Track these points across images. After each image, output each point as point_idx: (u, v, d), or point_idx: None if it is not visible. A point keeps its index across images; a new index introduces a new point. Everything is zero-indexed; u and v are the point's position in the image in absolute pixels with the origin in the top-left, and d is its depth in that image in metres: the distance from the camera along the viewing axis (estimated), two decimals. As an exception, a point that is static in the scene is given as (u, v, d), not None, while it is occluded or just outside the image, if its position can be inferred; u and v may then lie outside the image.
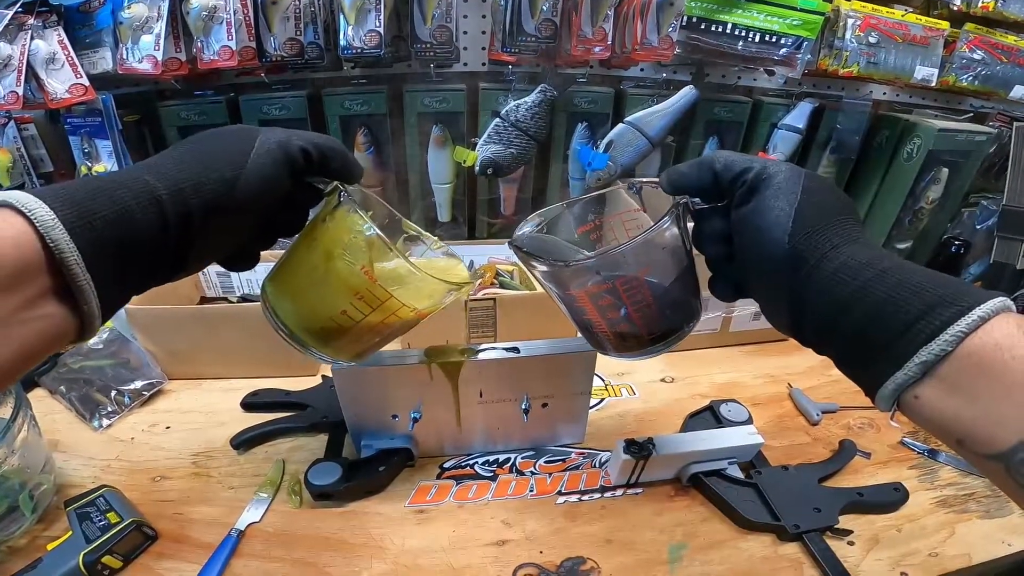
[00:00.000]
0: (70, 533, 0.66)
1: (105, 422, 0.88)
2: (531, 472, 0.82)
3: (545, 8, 1.04)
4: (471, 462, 0.83)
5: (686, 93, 1.16)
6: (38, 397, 0.92)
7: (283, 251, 0.58)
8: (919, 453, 0.87)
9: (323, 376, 0.99)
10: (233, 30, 1.00)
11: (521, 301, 1.01)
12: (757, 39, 1.11)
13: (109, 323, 1.00)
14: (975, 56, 1.24)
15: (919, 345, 0.38)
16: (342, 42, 1.03)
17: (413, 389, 0.76)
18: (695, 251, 0.57)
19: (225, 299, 1.15)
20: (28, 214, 0.36)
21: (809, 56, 1.14)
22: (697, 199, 0.54)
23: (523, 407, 0.79)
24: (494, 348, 0.76)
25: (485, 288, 1.08)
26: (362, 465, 0.77)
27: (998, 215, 1.26)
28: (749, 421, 0.87)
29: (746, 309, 1.07)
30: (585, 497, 0.78)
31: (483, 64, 1.19)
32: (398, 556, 0.69)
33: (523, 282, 1.13)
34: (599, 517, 0.75)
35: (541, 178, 1.32)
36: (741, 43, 1.11)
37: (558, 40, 1.08)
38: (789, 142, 1.24)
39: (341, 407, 0.76)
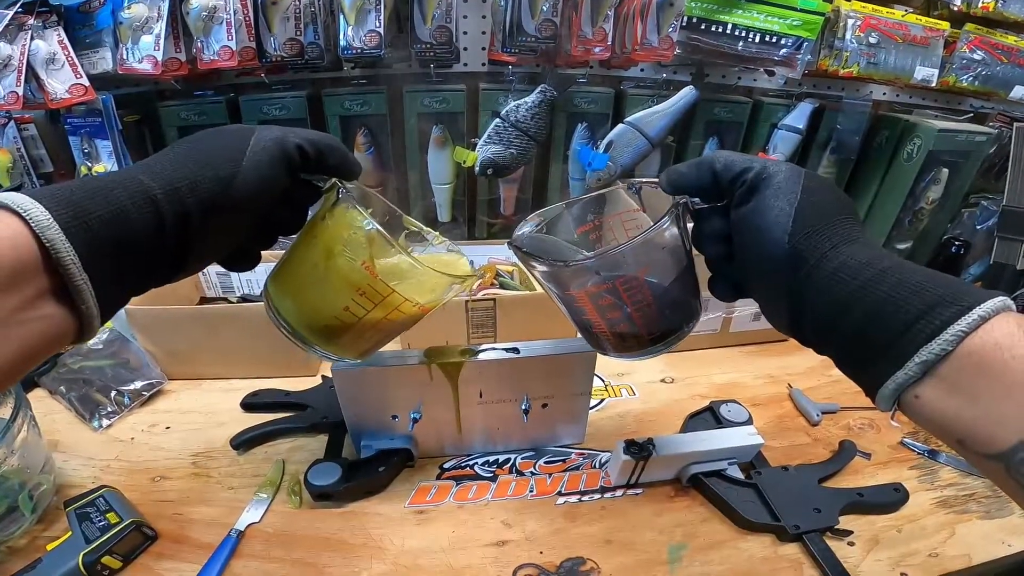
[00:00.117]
0: (69, 533, 0.66)
1: (105, 422, 0.88)
2: (531, 472, 0.82)
3: (545, 8, 1.04)
4: (471, 463, 0.83)
5: (686, 93, 1.16)
6: (38, 397, 0.92)
7: (284, 251, 0.58)
8: (919, 454, 0.87)
9: (323, 376, 0.98)
10: (233, 30, 1.00)
11: (521, 301, 1.01)
12: (757, 39, 1.11)
13: (109, 323, 1.00)
14: (975, 56, 1.24)
15: (919, 345, 0.38)
16: (342, 42, 1.03)
17: (413, 389, 0.76)
18: (695, 251, 0.57)
19: (225, 299, 1.15)
20: (24, 215, 0.36)
21: (809, 56, 1.14)
22: (696, 199, 0.54)
23: (523, 407, 0.79)
24: (494, 348, 0.75)
25: (485, 288, 1.08)
26: (362, 465, 0.77)
27: (998, 215, 1.26)
28: (749, 422, 0.87)
29: (746, 309, 1.07)
30: (585, 498, 0.78)
31: (483, 64, 1.19)
32: (398, 556, 0.69)
33: (523, 282, 1.13)
34: (599, 518, 0.75)
35: (541, 178, 1.32)
36: (741, 43, 1.11)
37: (558, 40, 1.08)
38: (789, 142, 1.24)
39: (341, 407, 0.76)
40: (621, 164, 1.17)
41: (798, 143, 1.25)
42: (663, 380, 1.03)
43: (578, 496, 0.78)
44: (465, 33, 1.14)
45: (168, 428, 0.89)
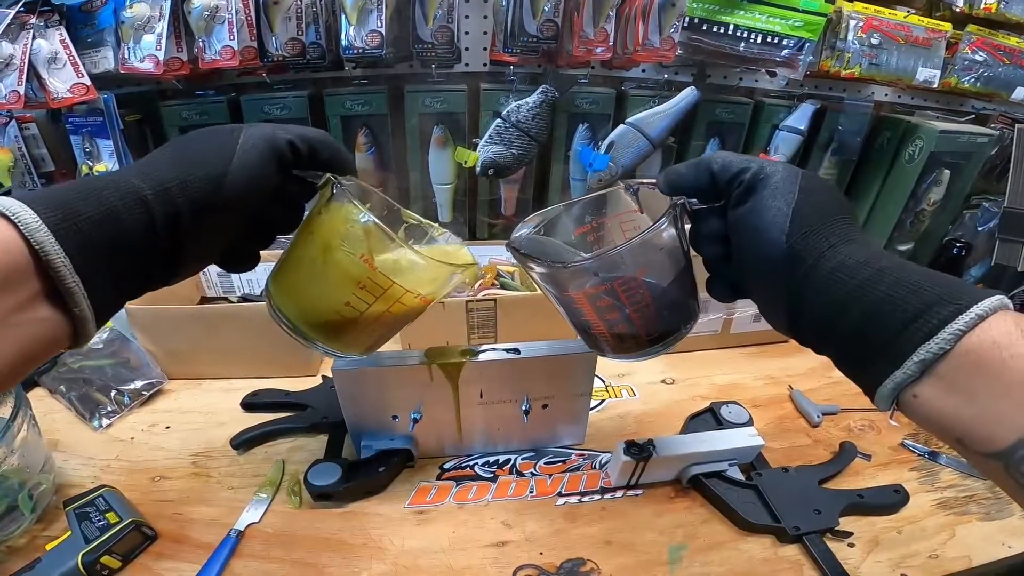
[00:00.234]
0: (69, 533, 0.66)
1: (105, 422, 0.88)
2: (531, 473, 0.81)
3: (547, 8, 1.04)
4: (471, 463, 0.83)
5: (688, 94, 1.16)
6: (38, 396, 0.92)
7: (283, 250, 0.58)
8: (920, 455, 0.87)
9: (323, 376, 0.98)
10: (235, 30, 1.00)
11: (522, 302, 1.01)
12: (759, 40, 1.11)
13: (109, 323, 1.00)
14: (977, 58, 1.23)
15: (917, 344, 0.38)
16: (344, 42, 1.03)
17: (413, 390, 0.76)
18: (692, 252, 0.57)
19: (225, 299, 1.15)
20: (12, 218, 0.36)
21: (811, 57, 1.14)
22: (694, 200, 0.54)
23: (523, 408, 0.79)
24: (494, 349, 0.75)
25: (486, 289, 1.08)
26: (362, 466, 0.77)
27: (999, 217, 1.26)
28: (750, 423, 0.87)
29: (747, 311, 1.07)
30: (585, 498, 0.78)
31: (484, 65, 1.19)
32: (398, 557, 0.69)
33: (524, 283, 1.13)
34: (599, 518, 0.75)
35: (542, 179, 1.32)
36: (743, 44, 1.11)
37: (559, 41, 1.08)
38: (790, 143, 1.24)
39: (341, 408, 0.76)
40: (622, 165, 1.17)
41: (799, 144, 1.25)
42: (663, 381, 1.03)
43: (578, 497, 0.78)
44: (467, 33, 1.14)
45: (168, 428, 0.89)
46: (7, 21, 0.90)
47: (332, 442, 0.84)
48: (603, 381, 1.02)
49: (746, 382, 1.04)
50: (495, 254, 1.20)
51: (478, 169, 1.15)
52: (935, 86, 1.23)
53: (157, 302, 0.92)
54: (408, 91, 1.15)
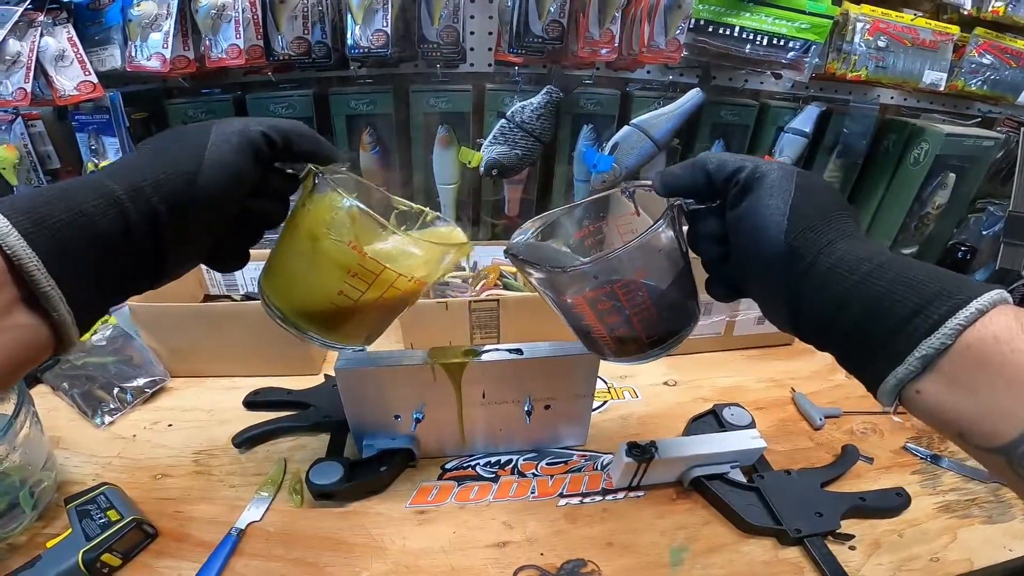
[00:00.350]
0: (70, 531, 0.66)
1: (107, 419, 0.88)
2: (533, 474, 0.81)
3: (553, 9, 1.04)
4: (473, 463, 0.83)
5: (693, 96, 1.16)
6: (40, 393, 0.93)
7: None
8: (922, 458, 0.86)
9: (325, 375, 0.98)
10: (241, 28, 1.00)
11: (524, 302, 1.01)
12: (765, 42, 1.11)
13: (112, 320, 1.00)
14: (984, 61, 1.23)
15: (918, 339, 0.39)
16: (349, 41, 1.03)
17: (416, 389, 0.76)
18: (691, 253, 0.57)
19: (228, 297, 1.16)
20: None
21: (817, 60, 1.14)
22: (691, 200, 0.55)
23: (526, 409, 0.79)
24: (497, 349, 0.75)
25: (488, 289, 1.08)
26: (364, 465, 0.77)
27: (1004, 221, 1.25)
28: (752, 425, 0.86)
29: (750, 313, 1.07)
30: (586, 499, 0.78)
31: (489, 65, 1.19)
32: (398, 557, 0.69)
33: (526, 284, 1.13)
34: (600, 520, 0.75)
35: (546, 180, 1.32)
36: (749, 46, 1.11)
37: (565, 41, 1.07)
38: (795, 146, 1.24)
39: (344, 407, 0.76)
40: (626, 166, 1.16)
41: (804, 146, 1.24)
42: (666, 383, 1.03)
43: (580, 498, 0.78)
44: (472, 33, 1.14)
45: (170, 425, 0.89)
46: (15, 18, 0.91)
47: (334, 441, 0.84)
48: (605, 382, 1.02)
49: (748, 384, 1.03)
50: (499, 254, 1.20)
51: (482, 169, 1.15)
52: (942, 89, 1.22)
53: (160, 300, 0.92)
54: (413, 91, 1.16)
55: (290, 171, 0.55)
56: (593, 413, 0.87)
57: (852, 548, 0.71)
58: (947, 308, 0.38)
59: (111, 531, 0.65)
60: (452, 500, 0.77)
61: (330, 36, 1.07)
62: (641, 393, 1.00)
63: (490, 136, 1.14)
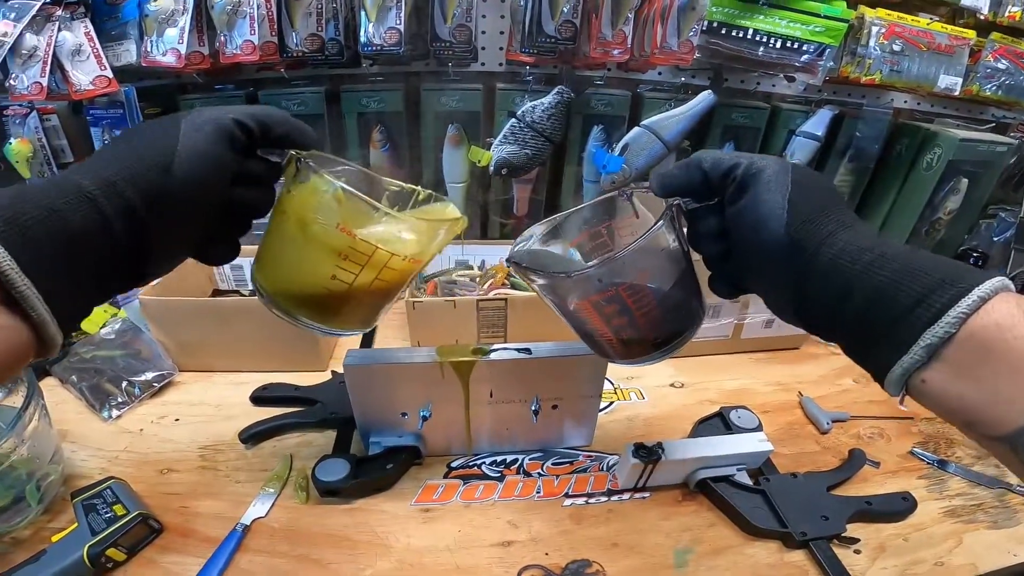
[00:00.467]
0: (76, 525, 0.65)
1: (115, 413, 0.88)
2: (538, 473, 0.81)
3: (566, 9, 1.04)
4: (478, 462, 0.83)
5: (704, 98, 1.15)
6: (48, 386, 0.93)
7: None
8: (929, 463, 0.86)
9: (332, 372, 0.99)
10: (256, 24, 1.01)
11: (532, 302, 1.01)
12: (778, 45, 1.10)
13: (122, 313, 1.01)
14: (999, 66, 1.22)
15: (921, 329, 0.39)
16: (362, 39, 1.03)
17: (424, 387, 0.76)
18: (693, 252, 0.58)
19: (237, 292, 1.16)
20: None
21: (831, 63, 1.14)
22: (689, 200, 0.55)
23: (533, 408, 0.79)
24: (506, 348, 0.75)
25: (496, 288, 1.08)
26: (370, 462, 0.77)
27: (1016, 227, 1.25)
28: (759, 428, 0.86)
29: (758, 316, 1.07)
30: (592, 500, 0.77)
31: (500, 64, 1.19)
32: (403, 554, 0.69)
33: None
34: (605, 520, 0.75)
35: (555, 180, 1.32)
36: (762, 49, 1.11)
37: (576, 42, 1.07)
38: (807, 149, 1.23)
39: (351, 403, 0.76)
40: (636, 167, 1.16)
41: (816, 150, 1.24)
42: (672, 385, 1.03)
43: (585, 498, 0.78)
44: (483, 32, 1.14)
45: (177, 420, 0.89)
46: (33, 12, 0.91)
47: (340, 438, 0.84)
48: (612, 384, 1.02)
49: (755, 388, 1.03)
50: (506, 253, 1.20)
51: (492, 168, 1.15)
52: (956, 93, 1.22)
53: (170, 294, 0.93)
54: (424, 89, 1.16)
55: (273, 159, 0.54)
56: (599, 414, 0.87)
57: (857, 552, 0.71)
58: (949, 297, 0.38)
59: (117, 526, 0.64)
60: (457, 499, 0.77)
61: (343, 33, 1.07)
62: (648, 395, 0.99)
63: (500, 135, 1.14)
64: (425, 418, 0.77)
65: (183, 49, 0.98)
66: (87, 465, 0.79)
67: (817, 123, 1.23)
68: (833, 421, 0.93)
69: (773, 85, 1.29)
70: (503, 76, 1.21)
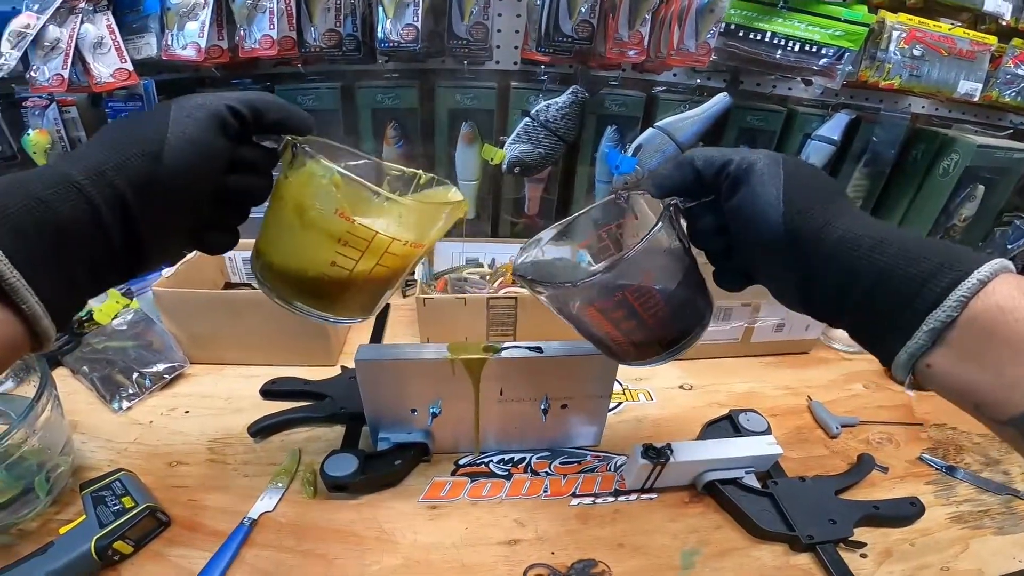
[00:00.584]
0: (84, 517, 0.65)
1: (125, 404, 0.88)
2: (546, 473, 0.81)
3: (584, 10, 1.03)
4: (486, 460, 0.83)
5: (719, 100, 1.15)
6: (60, 376, 0.93)
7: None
8: (937, 469, 0.86)
9: (342, 367, 0.99)
10: (275, 19, 1.01)
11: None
12: (797, 48, 1.10)
13: (135, 304, 1.01)
14: (1020, 72, 1.21)
15: (924, 313, 0.39)
16: (379, 35, 1.04)
17: (434, 384, 0.76)
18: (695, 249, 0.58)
19: (249, 285, 1.16)
20: None
21: (850, 67, 1.13)
22: (685, 198, 0.55)
23: (542, 407, 0.79)
24: (517, 347, 0.75)
25: (506, 287, 1.08)
26: (378, 458, 0.77)
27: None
28: (768, 432, 0.86)
29: (768, 320, 1.06)
30: (599, 500, 0.77)
31: (515, 63, 1.19)
32: (409, 551, 0.69)
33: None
34: (612, 521, 0.74)
35: (567, 180, 1.32)
36: (780, 52, 1.10)
37: (592, 42, 1.07)
38: (822, 153, 1.23)
39: (362, 398, 0.76)
40: (649, 168, 1.16)
41: (831, 154, 1.23)
42: (681, 387, 1.02)
43: (592, 498, 0.78)
44: (499, 31, 1.14)
45: (187, 412, 0.89)
46: (56, 4, 0.92)
47: (349, 433, 0.84)
48: (620, 384, 1.01)
49: (764, 391, 1.03)
50: (516, 252, 1.20)
51: (504, 167, 1.15)
52: (976, 99, 1.21)
53: (183, 285, 0.93)
54: (439, 87, 1.16)
55: (269, 145, 0.53)
56: (607, 414, 0.87)
57: (864, 556, 0.71)
58: (949, 280, 0.38)
59: (125, 518, 0.64)
60: (464, 496, 0.77)
61: (360, 29, 1.07)
62: (656, 396, 0.99)
63: (513, 134, 1.14)
64: (435, 415, 0.77)
65: (203, 43, 0.99)
66: (96, 457, 0.80)
67: (833, 127, 1.22)
68: (842, 426, 0.92)
69: (789, 88, 1.28)
70: (517, 75, 1.21)
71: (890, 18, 1.14)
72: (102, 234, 0.42)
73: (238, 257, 1.15)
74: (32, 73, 0.94)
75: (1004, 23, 1.20)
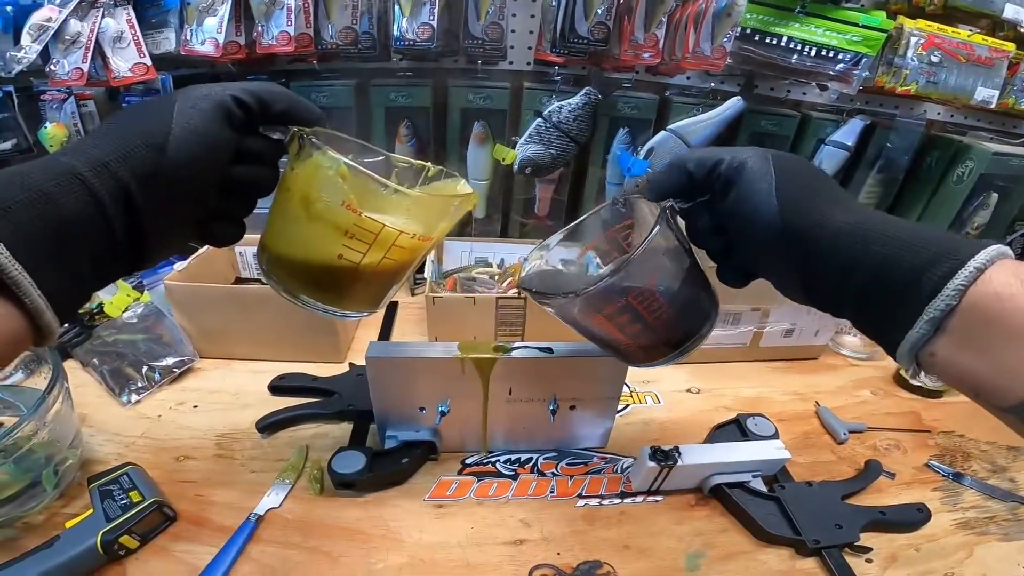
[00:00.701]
0: (91, 511, 0.65)
1: (134, 397, 0.88)
2: (552, 473, 0.81)
3: (600, 11, 1.03)
4: (493, 459, 0.83)
5: (733, 103, 1.14)
6: (69, 368, 0.91)
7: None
8: (944, 476, 0.85)
9: (350, 364, 0.99)
10: (293, 16, 1.02)
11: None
12: (813, 53, 1.10)
13: (145, 297, 1.02)
14: (1037, 79, 1.21)
15: (923, 303, 0.39)
16: (395, 33, 1.04)
17: (443, 383, 0.76)
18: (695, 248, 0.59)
19: (259, 280, 1.16)
20: None
21: (866, 73, 1.12)
22: (681, 200, 0.56)
23: (551, 408, 0.79)
24: (527, 347, 0.75)
25: (515, 287, 1.08)
26: (386, 456, 0.77)
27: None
28: (775, 436, 0.86)
29: (778, 325, 1.06)
30: (605, 502, 0.77)
31: (528, 64, 1.19)
32: (415, 550, 0.69)
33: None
34: (618, 522, 0.74)
35: (578, 181, 1.32)
36: (796, 56, 1.10)
37: (608, 44, 1.07)
38: (836, 159, 1.22)
39: (371, 395, 0.76)
40: (660, 171, 1.16)
41: (845, 160, 1.22)
42: (689, 390, 1.02)
43: (598, 500, 0.78)
44: (513, 31, 1.14)
45: (195, 407, 0.89)
46: (78, -1, 0.93)
47: (356, 430, 0.84)
48: (628, 387, 1.01)
49: (772, 396, 1.02)
50: (526, 253, 1.20)
51: (516, 167, 1.15)
52: (992, 106, 1.20)
53: (195, 279, 0.94)
54: (452, 86, 1.16)
55: (276, 136, 0.52)
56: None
57: (869, 561, 0.71)
58: (946, 269, 0.38)
59: (132, 512, 0.64)
60: (471, 495, 0.77)
61: (376, 27, 1.07)
62: (664, 399, 0.99)
63: (525, 135, 1.14)
64: (443, 413, 0.77)
65: (221, 39, 1.00)
66: (104, 450, 0.80)
67: (848, 133, 1.21)
68: (850, 432, 0.92)
69: (804, 93, 1.27)
70: (531, 75, 1.21)
71: (908, 24, 1.13)
72: (106, 227, 0.41)
73: (248, 252, 1.16)
74: (52, 67, 0.95)
75: (1022, 30, 1.19)
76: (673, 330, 0.59)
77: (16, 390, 0.78)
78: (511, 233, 1.37)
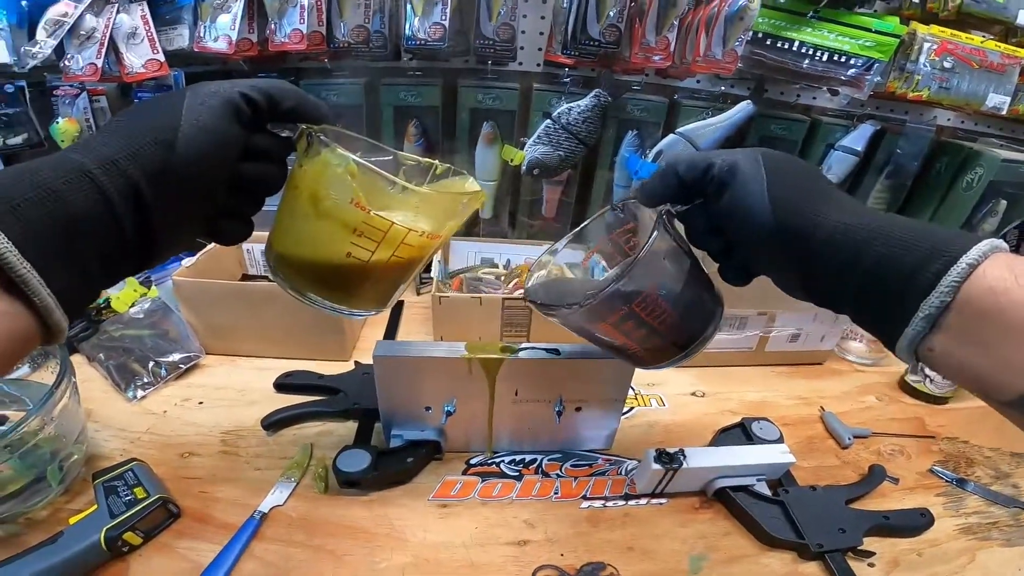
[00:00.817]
0: (95, 507, 0.64)
1: (140, 393, 0.88)
2: (557, 475, 0.81)
3: (612, 14, 1.03)
4: (498, 460, 0.83)
5: (743, 107, 1.14)
6: (75, 363, 0.90)
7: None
8: (947, 481, 0.86)
9: (356, 362, 0.99)
10: (306, 14, 1.02)
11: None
12: (825, 58, 1.09)
13: (153, 293, 1.02)
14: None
15: (919, 299, 0.39)
16: (407, 32, 1.04)
17: (450, 383, 0.76)
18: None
19: (266, 278, 1.17)
20: None
21: (878, 78, 1.12)
22: (677, 205, 0.56)
23: (556, 409, 0.79)
24: (534, 348, 0.75)
25: (521, 287, 1.08)
26: (391, 455, 0.77)
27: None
28: (780, 440, 0.85)
29: (784, 330, 1.06)
30: (609, 503, 0.77)
31: (538, 65, 1.19)
32: (418, 549, 0.69)
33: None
34: (622, 524, 0.74)
35: (586, 183, 1.32)
36: (807, 61, 1.10)
37: (619, 46, 1.07)
38: (845, 164, 1.22)
39: (377, 394, 0.76)
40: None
41: (854, 165, 1.22)
42: (694, 393, 1.02)
43: (602, 501, 0.77)
44: (523, 32, 1.14)
45: (201, 403, 0.89)
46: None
47: (361, 429, 0.84)
48: (633, 390, 1.01)
49: (777, 400, 1.02)
50: (532, 254, 1.20)
51: (524, 168, 1.15)
52: (1003, 113, 1.19)
53: (203, 275, 0.94)
54: (462, 86, 1.16)
55: (284, 133, 0.52)
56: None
57: (871, 565, 0.71)
58: (940, 266, 0.39)
59: (136, 509, 0.64)
60: (475, 496, 0.77)
61: (387, 26, 1.08)
62: (668, 402, 0.99)
63: (534, 136, 1.14)
64: (449, 413, 0.77)
65: (234, 36, 1.00)
66: (109, 446, 0.80)
67: (857, 138, 1.21)
68: (854, 437, 0.92)
69: (814, 98, 1.27)
70: (540, 77, 1.21)
71: (921, 30, 1.13)
72: (115, 225, 0.41)
73: (256, 249, 1.16)
74: (66, 62, 0.95)
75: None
76: (678, 333, 0.59)
77: (22, 384, 0.78)
78: (518, 235, 1.37)
